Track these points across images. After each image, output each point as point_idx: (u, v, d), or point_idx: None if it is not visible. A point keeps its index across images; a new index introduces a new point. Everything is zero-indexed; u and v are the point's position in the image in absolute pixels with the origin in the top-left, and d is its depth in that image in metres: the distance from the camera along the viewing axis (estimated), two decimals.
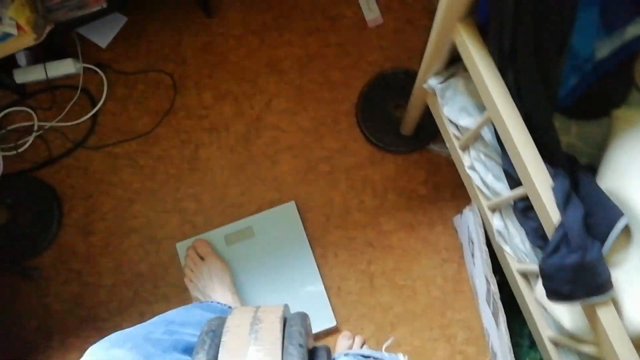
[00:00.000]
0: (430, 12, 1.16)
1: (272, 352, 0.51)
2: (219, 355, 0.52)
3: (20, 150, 1.15)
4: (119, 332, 0.66)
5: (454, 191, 1.09)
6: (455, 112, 0.72)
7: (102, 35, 1.20)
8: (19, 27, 0.97)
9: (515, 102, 0.56)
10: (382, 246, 1.08)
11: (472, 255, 0.87)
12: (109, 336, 0.64)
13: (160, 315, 0.76)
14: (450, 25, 0.58)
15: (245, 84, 1.17)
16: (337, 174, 1.11)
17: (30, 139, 1.15)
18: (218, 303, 0.94)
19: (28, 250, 1.11)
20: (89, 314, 1.09)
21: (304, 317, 0.58)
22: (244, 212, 1.11)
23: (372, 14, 1.17)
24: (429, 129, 1.08)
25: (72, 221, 1.13)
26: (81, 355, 0.59)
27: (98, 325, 1.08)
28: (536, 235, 0.60)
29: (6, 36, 0.98)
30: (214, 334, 0.55)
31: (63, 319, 1.09)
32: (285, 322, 0.57)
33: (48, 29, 1.01)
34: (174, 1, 1.19)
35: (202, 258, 1.05)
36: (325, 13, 1.18)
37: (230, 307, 0.94)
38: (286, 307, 0.60)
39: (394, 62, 1.15)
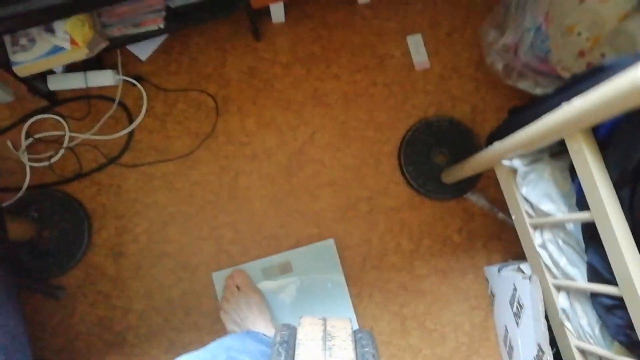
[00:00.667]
0: (476, 63, 1.19)
1: None
2: None
3: (52, 160, 1.09)
4: (183, 357, 0.66)
5: (486, 242, 1.14)
6: (536, 196, 0.75)
7: (143, 48, 1.15)
8: (72, 41, 0.92)
9: (624, 212, 0.59)
10: (415, 290, 1.11)
11: (517, 315, 0.91)
12: None
13: (216, 341, 0.78)
14: (570, 132, 0.60)
15: (290, 114, 1.16)
16: (376, 215, 1.13)
17: (62, 150, 1.10)
18: (264, 335, 0.94)
19: (54, 268, 1.06)
20: (117, 338, 1.06)
21: (373, 338, 0.59)
22: (281, 245, 1.11)
23: (419, 57, 1.19)
24: (468, 180, 1.12)
25: (101, 241, 1.09)
26: None
27: (126, 350, 1.06)
28: (619, 332, 0.64)
29: (57, 50, 0.93)
30: (287, 345, 0.56)
31: (89, 341, 1.06)
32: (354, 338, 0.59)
33: (103, 45, 0.97)
34: (221, 19, 1.16)
35: (238, 289, 1.05)
36: (374, 51, 1.18)
37: None
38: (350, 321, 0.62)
39: (438, 108, 1.17)
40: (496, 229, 1.14)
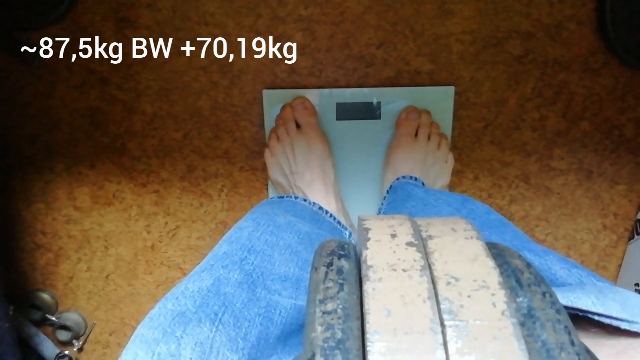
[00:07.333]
0: None
1: None
2: None
3: None
4: (180, 286, 0.37)
5: None
6: None
7: None
8: None
9: None
10: (539, 186, 0.78)
11: None
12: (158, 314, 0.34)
13: (229, 235, 0.47)
14: None
15: None
16: (529, 65, 0.72)
17: None
18: (320, 208, 0.64)
19: (26, 16, 0.68)
20: (114, 143, 0.75)
21: (536, 273, 0.21)
22: (373, 74, 0.72)
23: None
24: None
25: None
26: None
27: (124, 162, 0.75)
28: None
29: None
30: (342, 349, 0.18)
31: (73, 138, 0.74)
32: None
33: None
34: None
35: (298, 127, 0.70)
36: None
37: (340, 223, 0.64)
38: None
39: None
40: None
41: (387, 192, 0.68)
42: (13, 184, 0.76)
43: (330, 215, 0.64)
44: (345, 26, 0.70)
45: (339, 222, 0.64)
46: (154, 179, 0.77)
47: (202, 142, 0.75)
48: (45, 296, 0.81)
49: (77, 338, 0.83)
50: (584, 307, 0.27)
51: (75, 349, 0.83)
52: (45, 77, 0.71)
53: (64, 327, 0.81)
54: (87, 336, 0.84)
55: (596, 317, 0.27)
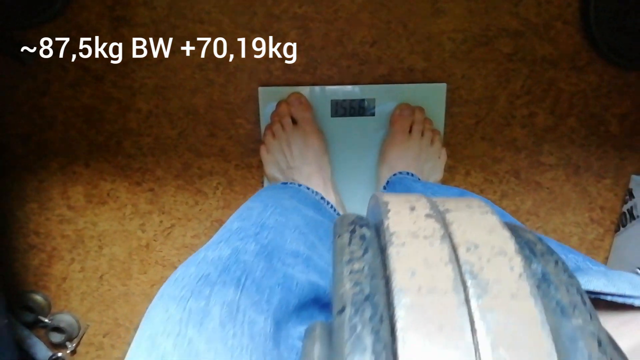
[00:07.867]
0: None
1: None
2: None
3: None
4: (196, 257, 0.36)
5: None
6: None
7: None
8: None
9: None
10: (529, 181, 0.80)
11: None
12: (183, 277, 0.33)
13: (239, 213, 0.47)
14: None
15: None
16: (519, 63, 0.74)
17: None
18: (322, 198, 0.65)
19: (18, 14, 0.68)
20: (108, 142, 0.75)
21: (553, 252, 0.23)
22: (367, 72, 0.73)
23: None
24: None
25: None
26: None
27: (119, 160, 0.75)
28: None
29: None
30: (371, 302, 0.18)
31: (68, 136, 0.74)
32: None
33: None
34: None
35: (294, 122, 0.71)
36: None
37: (338, 213, 0.65)
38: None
39: None
40: None
41: (385, 187, 0.69)
42: (6, 184, 0.75)
43: (331, 207, 0.65)
44: (339, 24, 0.71)
45: (338, 214, 0.65)
46: (149, 178, 0.76)
47: (198, 140, 0.75)
48: (38, 298, 0.80)
49: (71, 340, 0.82)
50: (597, 289, 0.28)
51: (68, 351, 0.82)
52: (39, 75, 0.71)
53: (57, 329, 0.80)
54: (81, 338, 0.83)
55: (609, 298, 0.28)
